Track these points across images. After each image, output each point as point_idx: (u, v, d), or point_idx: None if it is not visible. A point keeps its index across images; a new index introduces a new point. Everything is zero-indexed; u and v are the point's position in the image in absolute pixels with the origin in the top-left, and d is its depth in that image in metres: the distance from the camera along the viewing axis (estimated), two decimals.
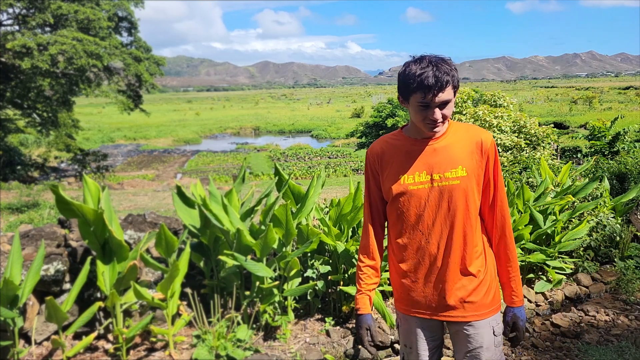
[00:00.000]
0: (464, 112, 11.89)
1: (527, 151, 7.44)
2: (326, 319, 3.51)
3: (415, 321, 1.86)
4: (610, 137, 8.48)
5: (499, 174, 1.79)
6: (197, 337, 3.18)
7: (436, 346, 1.89)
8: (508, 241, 1.83)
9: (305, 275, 3.50)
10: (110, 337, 3.22)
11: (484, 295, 1.78)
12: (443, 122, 1.69)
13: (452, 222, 1.73)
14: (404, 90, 1.68)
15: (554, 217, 4.27)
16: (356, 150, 25.62)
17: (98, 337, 3.20)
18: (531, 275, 4.20)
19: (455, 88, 1.67)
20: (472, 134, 1.76)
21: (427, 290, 1.79)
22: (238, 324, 3.27)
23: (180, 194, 3.52)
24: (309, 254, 3.60)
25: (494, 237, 1.84)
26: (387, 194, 1.82)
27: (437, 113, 1.64)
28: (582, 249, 4.52)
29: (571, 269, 4.33)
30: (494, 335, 1.80)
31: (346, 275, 3.55)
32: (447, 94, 1.63)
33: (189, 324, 3.40)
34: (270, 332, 3.36)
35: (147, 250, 3.58)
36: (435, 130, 1.70)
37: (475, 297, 1.77)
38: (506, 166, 6.54)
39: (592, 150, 8.37)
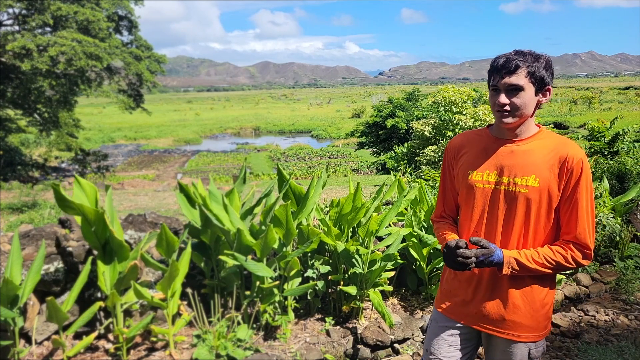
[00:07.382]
0: (464, 112, 11.89)
1: None
2: (326, 318, 3.52)
3: (448, 323, 1.79)
4: (609, 137, 8.49)
5: (583, 196, 1.58)
6: (198, 336, 3.18)
7: (460, 358, 1.78)
8: (563, 249, 1.59)
9: (305, 275, 3.50)
10: (110, 336, 3.22)
11: (529, 317, 1.67)
12: (514, 114, 1.58)
13: (509, 232, 1.63)
14: (488, 78, 1.65)
15: None
16: (356, 150, 25.58)
17: (98, 337, 3.20)
18: None
19: (533, 78, 1.56)
20: (560, 147, 1.60)
21: (472, 296, 1.72)
22: (238, 323, 3.28)
23: (184, 191, 3.52)
24: (309, 254, 3.61)
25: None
26: (457, 186, 1.79)
27: (503, 97, 1.56)
28: None
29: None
30: (529, 358, 1.71)
31: (346, 275, 3.55)
32: (516, 78, 1.54)
33: (190, 324, 3.40)
34: (270, 332, 3.36)
35: (148, 251, 3.59)
36: (505, 120, 1.59)
37: (519, 316, 1.66)
38: None
39: (592, 150, 8.37)
